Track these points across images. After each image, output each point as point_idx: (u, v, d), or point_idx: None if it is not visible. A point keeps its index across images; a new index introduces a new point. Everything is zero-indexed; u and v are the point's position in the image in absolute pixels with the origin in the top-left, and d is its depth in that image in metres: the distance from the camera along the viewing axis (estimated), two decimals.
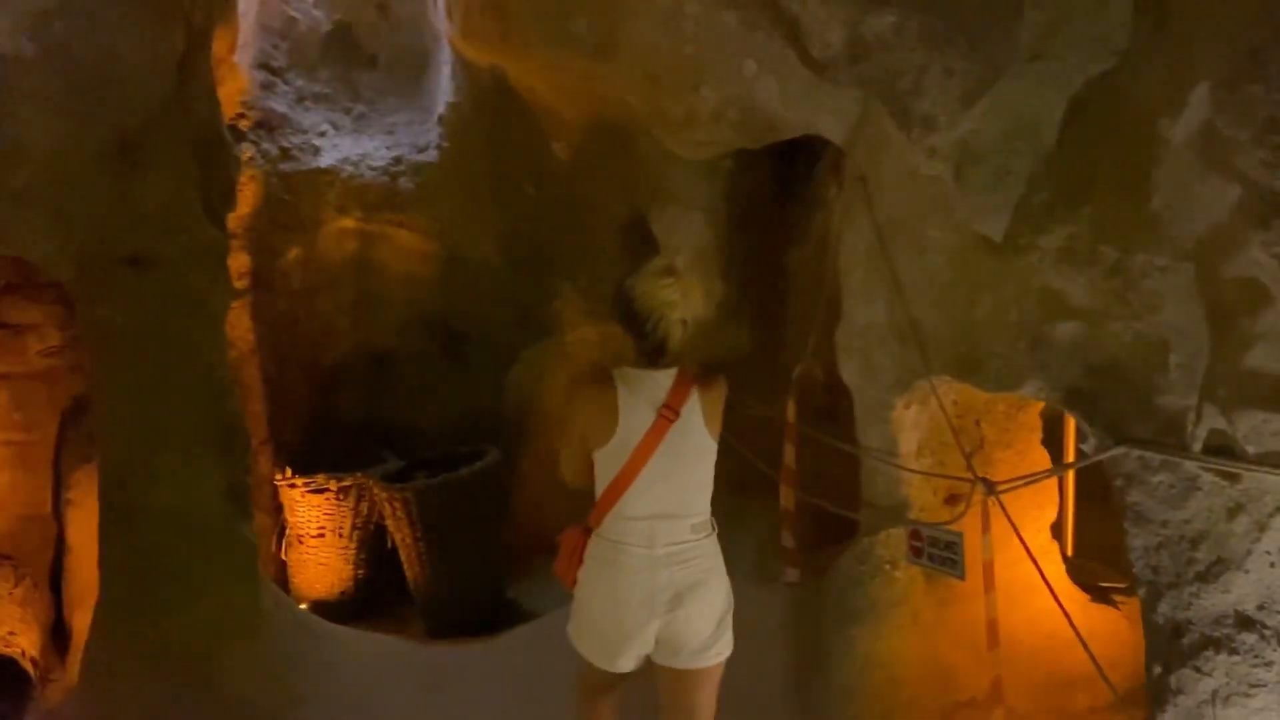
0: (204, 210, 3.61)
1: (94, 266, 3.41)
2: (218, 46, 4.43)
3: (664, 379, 2.58)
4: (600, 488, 2.58)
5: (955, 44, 2.75)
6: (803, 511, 3.98)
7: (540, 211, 5.19)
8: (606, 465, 2.55)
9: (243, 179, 4.77)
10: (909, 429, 3.42)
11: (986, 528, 3.09)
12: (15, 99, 3.03)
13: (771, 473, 4.00)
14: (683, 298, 2.54)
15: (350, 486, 4.81)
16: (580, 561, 2.64)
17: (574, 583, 2.68)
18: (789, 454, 3.96)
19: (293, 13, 5.14)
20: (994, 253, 2.88)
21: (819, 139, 3.99)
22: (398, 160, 5.18)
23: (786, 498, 4.00)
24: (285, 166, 5.02)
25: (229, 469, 3.78)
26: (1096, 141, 2.69)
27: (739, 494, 4.44)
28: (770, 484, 4.16)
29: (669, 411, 2.54)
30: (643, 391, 2.55)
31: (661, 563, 2.56)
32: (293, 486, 4.82)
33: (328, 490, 4.78)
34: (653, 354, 2.55)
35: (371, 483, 4.73)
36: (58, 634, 4.62)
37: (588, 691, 2.80)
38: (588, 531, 2.64)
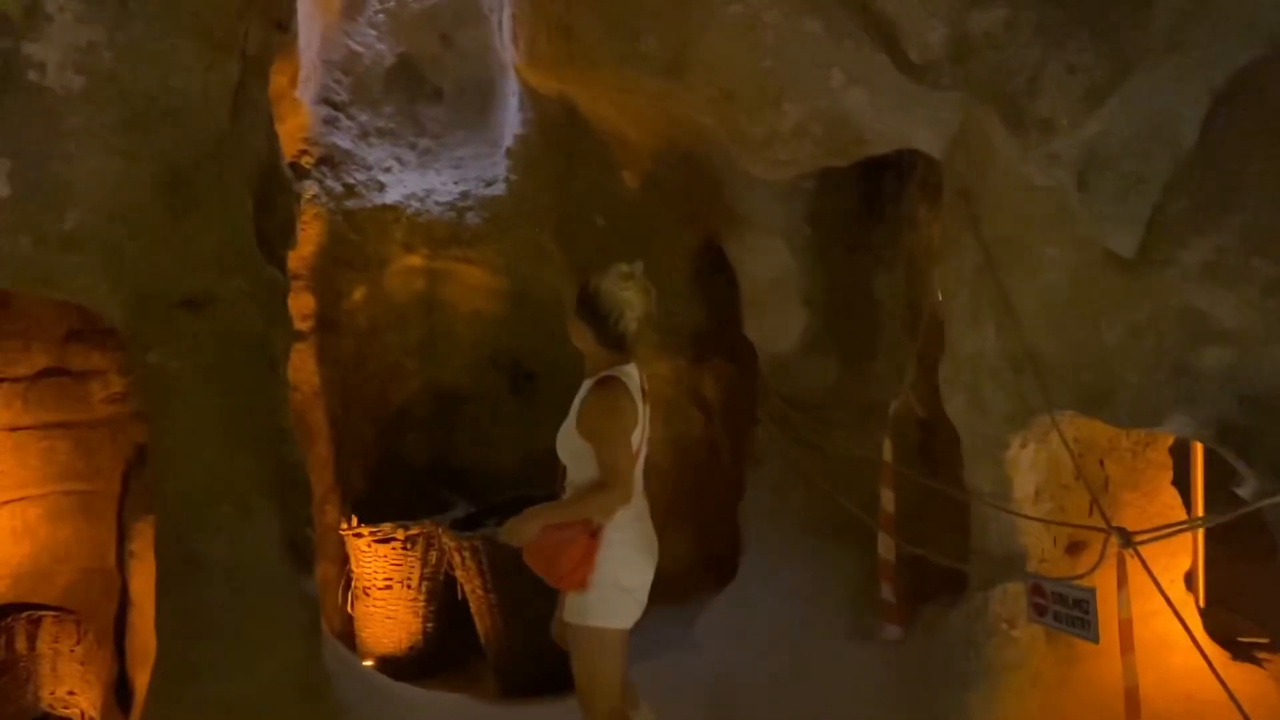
0: (262, 249, 3.43)
1: (148, 309, 3.24)
2: (278, 81, 4.29)
3: (634, 371, 2.94)
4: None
5: (1076, 37, 2.43)
6: (903, 562, 3.63)
7: (610, 243, 4.93)
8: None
9: (306, 217, 4.62)
10: (1025, 470, 3.07)
11: (1123, 583, 2.71)
12: (63, 136, 2.88)
13: (867, 518, 3.67)
14: (640, 297, 2.87)
15: (418, 535, 4.58)
16: (593, 562, 2.82)
17: (584, 583, 2.83)
18: (887, 498, 3.63)
19: (355, 46, 5.01)
20: (1125, 270, 2.54)
21: (907, 154, 3.70)
22: (465, 195, 4.99)
23: (885, 546, 3.66)
24: (350, 204, 4.87)
25: (290, 520, 3.57)
26: (1246, 140, 2.35)
27: (829, 540, 4.12)
28: (864, 530, 3.83)
29: (645, 398, 2.95)
30: (634, 386, 2.90)
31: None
32: (358, 536, 4.60)
33: (395, 539, 4.55)
34: (614, 345, 2.89)
35: (440, 531, 4.49)
36: (121, 692, 4.46)
37: (618, 670, 2.92)
38: (594, 534, 2.82)
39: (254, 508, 3.45)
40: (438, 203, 4.97)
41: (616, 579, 2.84)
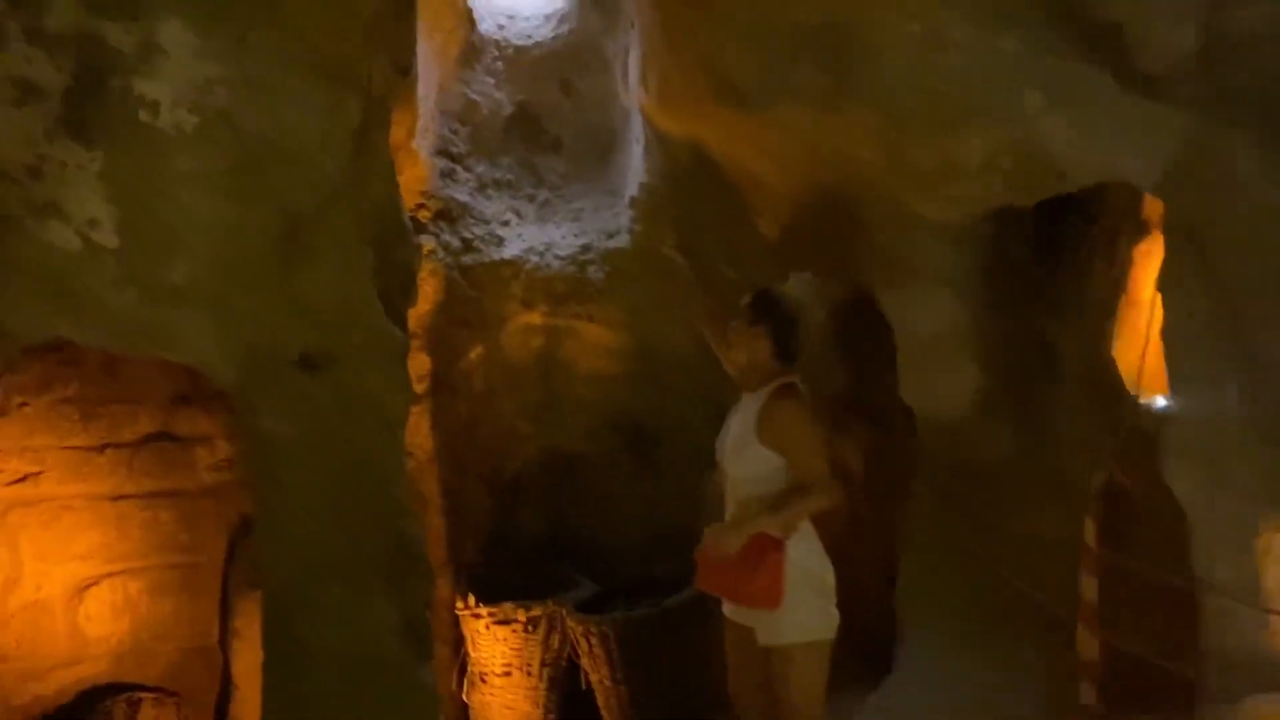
0: (382, 304, 3.14)
1: (259, 369, 2.96)
2: (396, 132, 4.06)
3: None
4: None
5: None
6: (1109, 662, 3.09)
7: (741, 296, 4.55)
8: None
9: (423, 273, 4.36)
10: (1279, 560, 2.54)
11: None
12: (174, 181, 2.64)
13: (1061, 610, 3.15)
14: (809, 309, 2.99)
15: (540, 617, 4.19)
16: (783, 577, 2.71)
17: (777, 599, 2.71)
18: (1089, 587, 3.10)
19: (473, 96, 4.79)
20: None
21: (1093, 189, 3.24)
22: (586, 248, 4.68)
23: (1086, 643, 3.13)
24: (467, 259, 4.60)
25: (406, 602, 3.23)
26: None
27: (1007, 634, 3.59)
28: (1052, 623, 3.31)
29: None
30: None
31: None
32: (477, 617, 4.23)
33: (515, 621, 4.17)
34: (789, 356, 2.91)
35: (564, 613, 4.10)
36: None
37: (825, 687, 2.84)
38: (779, 548, 2.71)
39: (368, 586, 3.13)
40: (558, 256, 4.67)
41: (817, 586, 2.80)
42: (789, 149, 3.59)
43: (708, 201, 4.45)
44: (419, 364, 4.38)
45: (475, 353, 4.66)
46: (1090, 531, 3.05)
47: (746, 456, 2.83)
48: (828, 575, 2.84)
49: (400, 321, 3.37)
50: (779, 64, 3.10)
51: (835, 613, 2.85)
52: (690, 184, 4.44)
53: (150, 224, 2.69)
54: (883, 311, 3.94)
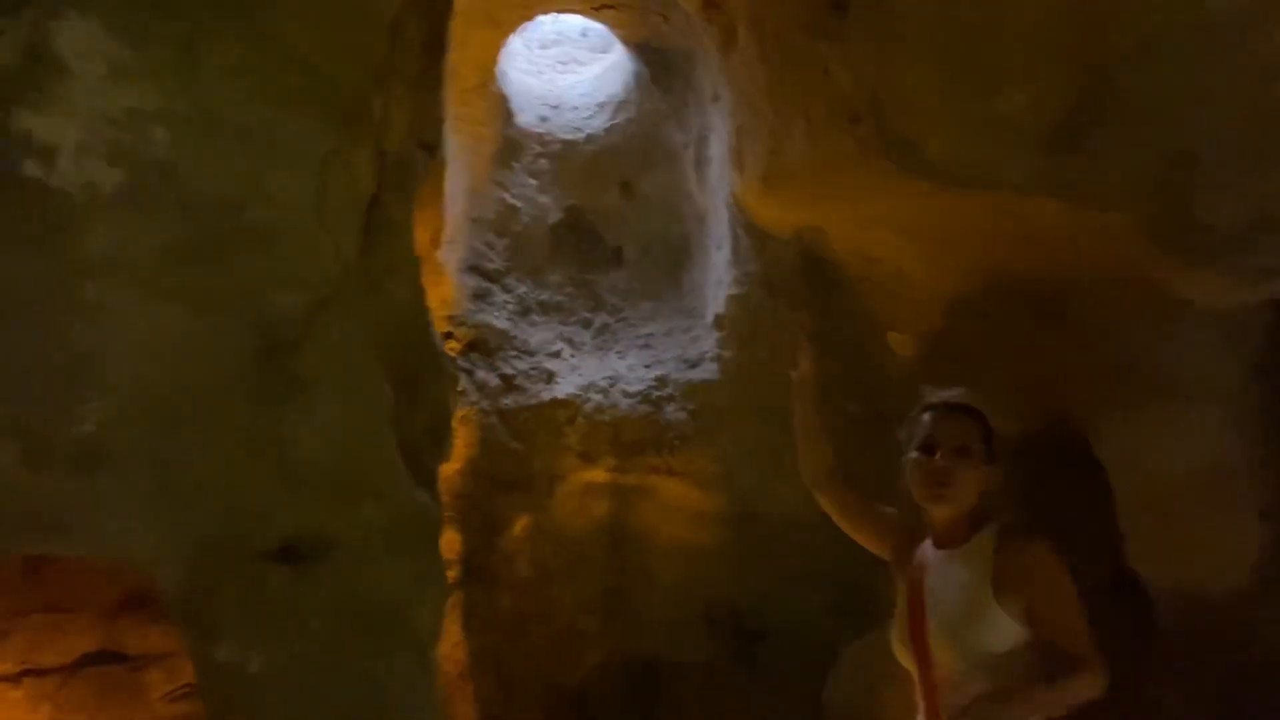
0: (405, 460, 2.15)
1: (218, 565, 1.95)
2: (419, 234, 3.18)
3: None
4: None
5: None
6: None
7: (871, 436, 3.56)
8: None
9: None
10: None
11: None
12: (78, 273, 1.70)
13: None
14: None
15: None
16: None
17: None
18: None
19: (512, 201, 3.94)
20: None
21: None
22: (661, 381, 3.72)
23: None
24: (508, 400, 3.65)
25: None
26: None
27: None
28: None
29: None
30: None
31: None
32: None
33: None
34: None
35: None
36: None
37: None
38: None
39: None
40: (626, 393, 3.70)
41: None
42: (962, 223, 2.66)
43: (820, 315, 3.51)
44: (447, 544, 3.36)
45: (521, 525, 3.64)
46: None
47: (979, 628, 2.08)
48: None
49: (430, 485, 2.37)
50: (974, 91, 2.20)
51: None
52: (796, 293, 3.52)
53: (46, 344, 1.73)
54: (1093, 446, 2.93)
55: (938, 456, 2.12)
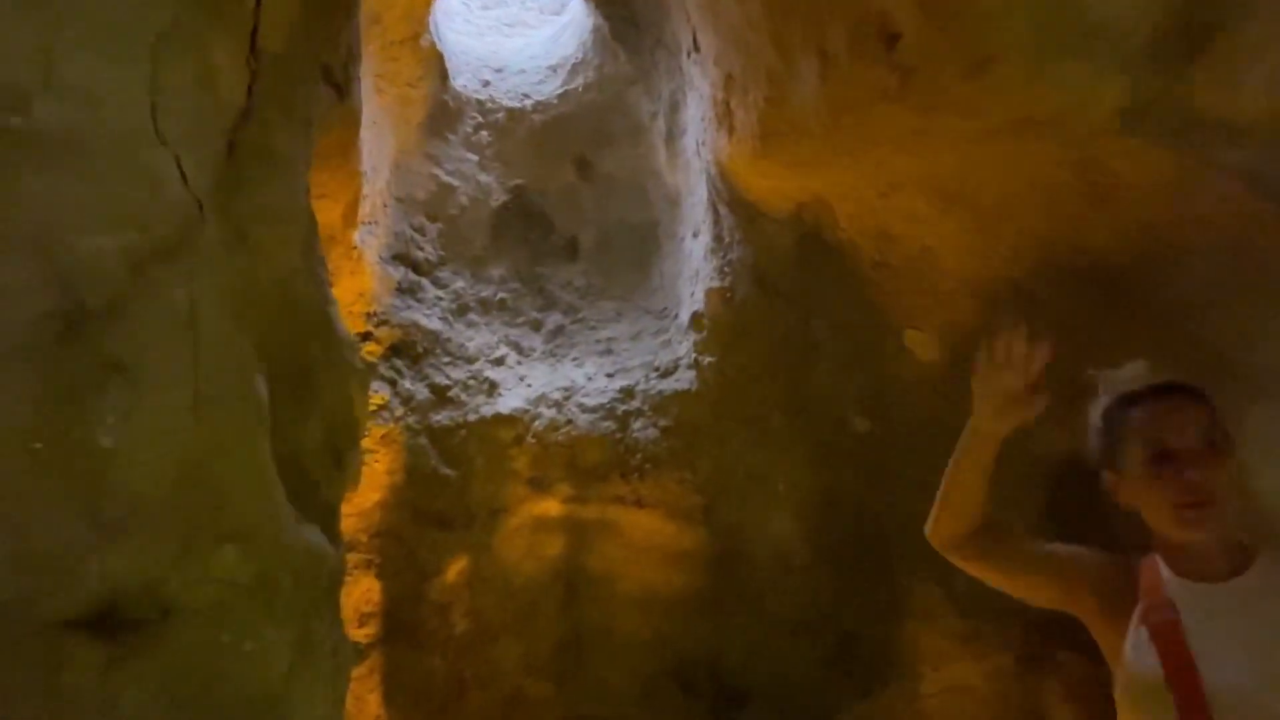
0: (290, 487, 1.55)
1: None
2: (324, 207, 2.61)
3: None
4: None
5: None
6: None
7: (878, 459, 3.04)
8: None
9: (369, 441, 2.80)
10: None
11: None
12: None
13: None
14: None
15: None
16: None
17: None
18: None
19: (446, 178, 3.35)
20: None
21: None
22: (627, 393, 3.15)
23: None
24: (440, 417, 3.05)
25: None
26: None
27: None
28: None
29: None
30: None
31: None
32: None
33: None
34: None
35: None
36: None
37: None
38: None
39: None
40: (584, 407, 3.12)
41: None
42: (1040, 187, 2.13)
43: (820, 311, 2.98)
44: (363, 595, 2.74)
45: (456, 569, 3.03)
46: None
47: None
48: None
49: (326, 520, 1.76)
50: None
51: None
52: (791, 284, 2.99)
53: None
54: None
55: (1185, 464, 1.63)
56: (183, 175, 1.37)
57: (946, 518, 2.15)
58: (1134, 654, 1.71)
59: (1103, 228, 2.16)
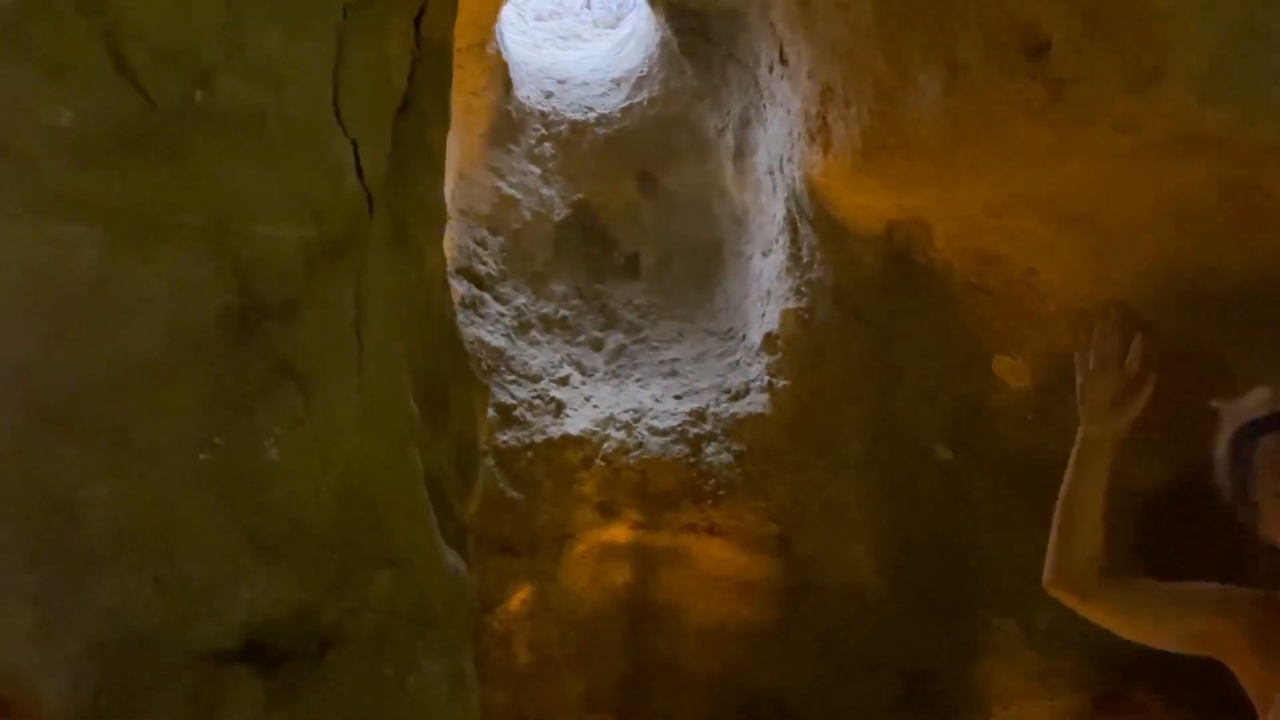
0: (434, 500, 1.44)
1: (138, 672, 1.21)
2: None
3: None
4: None
5: None
6: None
7: (961, 490, 2.95)
8: None
9: None
10: None
11: None
12: None
13: None
14: None
15: None
16: None
17: None
18: None
19: (509, 190, 3.26)
20: None
21: None
22: (698, 416, 3.04)
23: None
24: (506, 437, 2.94)
25: None
26: None
27: None
28: None
29: None
30: None
31: None
32: None
33: None
34: None
35: None
36: None
37: None
38: None
39: None
40: (655, 430, 3.01)
41: None
42: (1180, 206, 2.06)
43: (904, 336, 2.90)
44: None
45: (519, 598, 2.91)
46: None
47: None
48: None
49: (461, 543, 1.65)
50: None
51: None
52: (874, 307, 2.90)
53: None
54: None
55: None
56: (358, 166, 1.27)
57: (1066, 557, 2.08)
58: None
59: (1241, 254, 2.10)
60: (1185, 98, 1.73)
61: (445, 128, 1.58)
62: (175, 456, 1.16)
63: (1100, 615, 2.08)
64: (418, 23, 1.43)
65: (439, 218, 1.56)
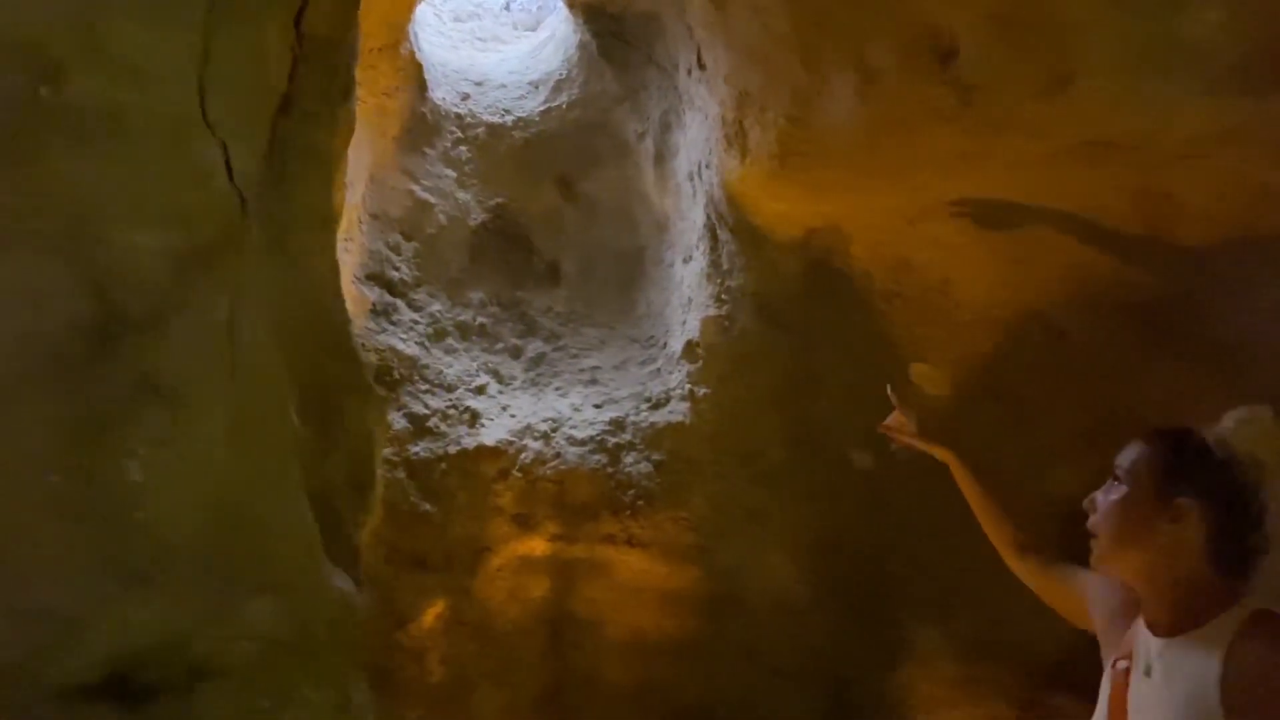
0: (319, 525, 1.37)
1: None
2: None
3: None
4: None
5: None
6: None
7: (881, 497, 2.95)
8: None
9: None
10: None
11: None
12: None
13: None
14: None
15: None
16: None
17: None
18: None
19: (423, 194, 3.19)
20: None
21: None
22: (617, 425, 3.00)
23: None
24: (419, 449, 2.86)
25: None
26: None
27: None
28: None
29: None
30: None
31: None
32: None
33: None
34: (1236, 564, 1.45)
35: None
36: None
37: None
38: None
39: None
40: (572, 440, 2.96)
41: None
42: (1091, 212, 2.07)
43: (825, 342, 2.89)
44: None
45: (434, 613, 2.84)
46: None
47: None
48: None
49: (351, 564, 1.58)
50: None
51: None
52: (794, 315, 2.89)
53: None
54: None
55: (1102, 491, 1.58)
56: (229, 168, 1.21)
57: (997, 543, 2.17)
58: (1101, 692, 1.64)
59: (1153, 259, 2.11)
60: (1095, 105, 1.73)
61: (336, 129, 1.51)
62: (24, 478, 1.09)
63: (1036, 590, 2.12)
64: (299, 18, 1.37)
65: (328, 222, 1.49)
